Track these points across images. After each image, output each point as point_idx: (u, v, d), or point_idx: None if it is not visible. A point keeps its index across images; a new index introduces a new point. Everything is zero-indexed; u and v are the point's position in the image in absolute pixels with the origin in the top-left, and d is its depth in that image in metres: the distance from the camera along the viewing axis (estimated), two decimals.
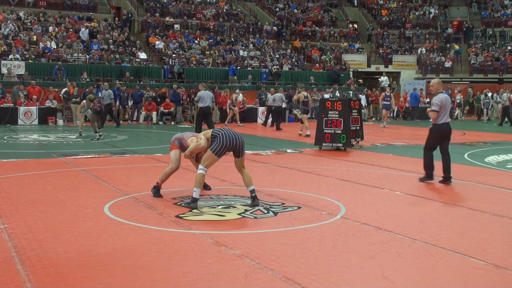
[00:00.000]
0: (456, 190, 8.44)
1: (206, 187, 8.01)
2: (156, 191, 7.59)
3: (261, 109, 25.82)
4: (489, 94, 29.88)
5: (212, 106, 18.58)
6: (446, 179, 9.00)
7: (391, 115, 30.26)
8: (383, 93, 23.25)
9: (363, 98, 26.09)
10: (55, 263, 4.67)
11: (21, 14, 30.34)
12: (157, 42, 31.35)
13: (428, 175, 9.22)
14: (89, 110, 16.56)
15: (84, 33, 29.79)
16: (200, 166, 6.97)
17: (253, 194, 7.04)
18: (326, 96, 24.39)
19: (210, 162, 7.01)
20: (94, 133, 16.04)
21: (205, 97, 17.07)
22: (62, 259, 4.79)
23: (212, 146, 6.94)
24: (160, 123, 23.77)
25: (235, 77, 30.28)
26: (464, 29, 40.72)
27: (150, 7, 35.52)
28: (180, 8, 36.45)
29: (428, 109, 9.33)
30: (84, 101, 17.14)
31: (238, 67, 31.29)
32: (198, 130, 15.89)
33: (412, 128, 22.13)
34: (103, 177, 9.10)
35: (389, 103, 22.80)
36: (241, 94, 25.60)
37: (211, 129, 7.27)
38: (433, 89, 9.33)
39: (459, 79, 36.59)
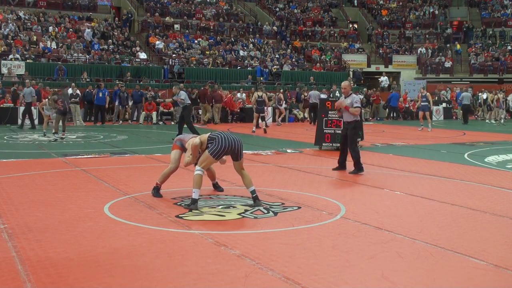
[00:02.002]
0: (455, 190, 8.44)
1: (218, 188, 8.04)
2: (156, 191, 7.59)
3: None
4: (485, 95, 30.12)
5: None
6: (360, 170, 10.06)
7: (392, 115, 30.24)
8: (419, 93, 22.45)
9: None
10: (55, 263, 4.67)
11: (21, 14, 30.35)
12: (157, 42, 31.35)
13: (360, 167, 10.04)
14: (52, 109, 16.50)
15: (89, 34, 29.86)
16: (197, 167, 6.95)
17: (254, 195, 7.03)
18: (323, 96, 24.57)
19: (207, 163, 7.00)
20: (54, 133, 15.69)
21: (188, 97, 17.10)
22: (62, 259, 4.79)
23: (210, 148, 6.90)
24: (160, 123, 23.77)
25: (262, 78, 30.44)
26: (464, 29, 40.72)
27: (150, 7, 35.52)
28: (180, 8, 36.45)
29: (351, 109, 10.13)
30: (47, 99, 16.93)
31: (238, 67, 31.30)
32: (192, 128, 15.94)
33: (412, 128, 22.14)
34: (103, 177, 9.10)
35: (426, 103, 21.63)
36: (275, 94, 25.61)
37: (209, 132, 7.26)
38: (346, 91, 10.30)
39: (459, 79, 36.59)
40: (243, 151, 7.19)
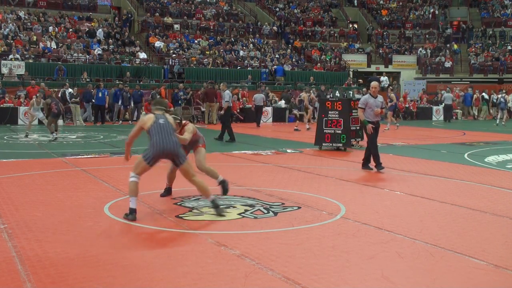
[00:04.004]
0: (455, 190, 8.45)
1: (225, 189, 7.38)
2: (166, 192, 7.58)
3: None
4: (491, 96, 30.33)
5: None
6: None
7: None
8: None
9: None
10: (55, 263, 4.67)
11: (21, 14, 30.35)
12: (157, 42, 31.35)
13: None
14: (39, 109, 16.67)
15: (100, 34, 30.01)
16: (131, 174, 6.38)
17: (214, 204, 6.43)
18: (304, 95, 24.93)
19: (141, 169, 6.38)
20: (51, 133, 15.80)
21: (231, 96, 16.83)
22: (62, 259, 4.79)
23: (145, 152, 6.39)
24: None
25: (283, 78, 30.48)
26: (462, 29, 40.63)
27: (150, 7, 35.51)
28: (180, 8, 36.44)
29: (381, 110, 10.35)
30: (34, 99, 17.08)
31: (238, 67, 31.28)
32: (230, 130, 15.89)
33: (412, 128, 22.14)
34: (103, 177, 9.10)
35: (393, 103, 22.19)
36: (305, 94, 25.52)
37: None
38: (376, 91, 10.38)
39: (459, 79, 36.58)
40: (206, 153, 6.76)
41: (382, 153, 13.18)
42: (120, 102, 23.64)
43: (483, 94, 31.63)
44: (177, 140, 6.48)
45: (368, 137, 10.34)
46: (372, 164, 10.43)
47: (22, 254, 4.90)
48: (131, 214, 6.21)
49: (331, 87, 26.35)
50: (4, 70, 24.87)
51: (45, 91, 19.90)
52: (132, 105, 23.91)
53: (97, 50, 28.54)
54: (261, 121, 24.34)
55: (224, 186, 7.41)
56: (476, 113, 31.24)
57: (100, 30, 30.38)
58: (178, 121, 7.19)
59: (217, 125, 22.49)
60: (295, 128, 20.50)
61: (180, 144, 6.57)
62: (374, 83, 10.63)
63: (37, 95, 18.47)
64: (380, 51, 38.62)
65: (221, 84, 17.69)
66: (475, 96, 31.28)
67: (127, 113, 24.27)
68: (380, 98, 10.41)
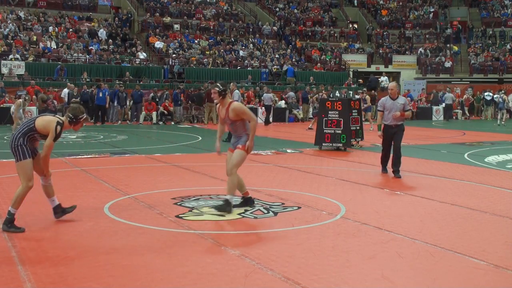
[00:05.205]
0: (456, 190, 8.44)
1: (223, 208, 6.51)
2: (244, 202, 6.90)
3: (261, 109, 25.73)
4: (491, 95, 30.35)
5: None
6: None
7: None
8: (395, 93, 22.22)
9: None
10: (55, 263, 4.67)
11: (21, 14, 30.36)
12: (157, 42, 31.35)
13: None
14: (22, 110, 16.79)
15: (102, 34, 30.09)
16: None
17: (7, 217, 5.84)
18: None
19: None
20: None
21: (240, 96, 16.63)
22: (62, 259, 4.79)
23: None
24: (160, 123, 23.75)
25: (294, 79, 30.48)
26: (458, 30, 40.58)
27: (150, 7, 35.52)
28: (180, 8, 36.45)
29: (406, 112, 9.88)
30: (21, 100, 17.09)
31: (238, 67, 31.27)
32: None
33: (412, 128, 22.13)
34: (103, 177, 9.10)
35: (369, 105, 21.74)
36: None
37: None
38: (394, 92, 9.93)
39: (459, 79, 36.59)
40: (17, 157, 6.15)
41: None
42: (116, 103, 23.62)
43: (488, 93, 31.38)
44: (12, 137, 6.07)
45: (382, 142, 10.10)
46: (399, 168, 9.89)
47: (22, 254, 4.91)
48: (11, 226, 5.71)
49: (330, 87, 26.36)
50: (4, 70, 24.86)
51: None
52: (131, 104, 23.89)
53: (94, 47, 28.56)
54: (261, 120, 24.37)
55: (227, 205, 6.49)
56: (467, 114, 31.28)
57: (102, 30, 30.43)
58: (219, 89, 6.58)
59: (216, 125, 22.50)
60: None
61: (15, 143, 6.02)
62: (391, 85, 10.26)
63: (26, 98, 18.42)
64: (380, 51, 38.63)
65: (231, 84, 17.67)
66: (465, 96, 31.51)
67: (125, 113, 24.25)
68: (400, 100, 9.87)
